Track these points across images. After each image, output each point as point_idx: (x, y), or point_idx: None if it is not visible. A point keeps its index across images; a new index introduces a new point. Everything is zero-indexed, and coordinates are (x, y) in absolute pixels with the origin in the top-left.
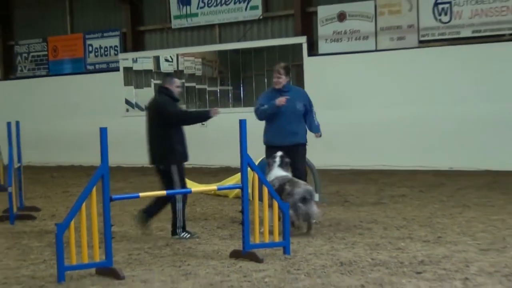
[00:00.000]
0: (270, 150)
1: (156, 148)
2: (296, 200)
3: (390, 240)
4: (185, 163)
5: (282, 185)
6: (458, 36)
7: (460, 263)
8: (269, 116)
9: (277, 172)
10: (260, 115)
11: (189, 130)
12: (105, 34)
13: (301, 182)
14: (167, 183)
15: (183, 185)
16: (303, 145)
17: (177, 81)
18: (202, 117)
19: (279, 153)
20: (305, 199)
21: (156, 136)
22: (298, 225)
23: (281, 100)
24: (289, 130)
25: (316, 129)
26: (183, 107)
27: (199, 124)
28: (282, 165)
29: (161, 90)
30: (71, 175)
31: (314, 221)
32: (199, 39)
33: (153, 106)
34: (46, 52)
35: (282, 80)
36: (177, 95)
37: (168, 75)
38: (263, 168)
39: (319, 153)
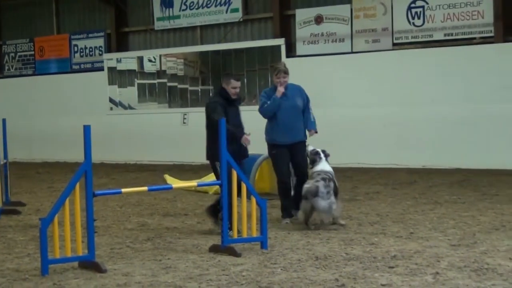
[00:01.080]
0: (275, 148)
1: (206, 145)
2: (302, 196)
3: (364, 235)
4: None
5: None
6: (431, 39)
7: (431, 258)
8: (273, 112)
9: (324, 166)
10: (265, 113)
11: (170, 128)
12: (90, 35)
13: (310, 181)
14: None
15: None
16: (303, 142)
17: (234, 82)
18: (235, 136)
19: (317, 149)
20: (306, 197)
21: (207, 134)
22: (303, 218)
23: (279, 91)
24: (292, 127)
25: (311, 125)
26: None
27: (180, 122)
28: (327, 159)
29: (218, 91)
30: (56, 171)
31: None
32: (181, 40)
33: (206, 106)
34: (33, 52)
35: (287, 79)
36: (233, 96)
37: (226, 75)
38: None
39: None
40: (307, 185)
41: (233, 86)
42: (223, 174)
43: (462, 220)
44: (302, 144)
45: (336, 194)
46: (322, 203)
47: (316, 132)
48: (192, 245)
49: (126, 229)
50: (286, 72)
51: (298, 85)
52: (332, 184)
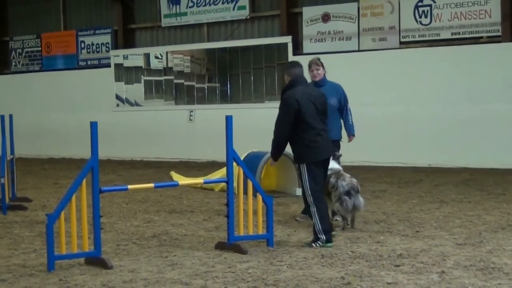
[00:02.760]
0: None
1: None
2: (341, 193)
3: (370, 233)
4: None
5: (329, 176)
6: (438, 38)
7: (437, 257)
8: None
9: (332, 165)
10: None
11: (176, 125)
12: (97, 32)
13: (346, 175)
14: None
15: (314, 187)
16: (336, 141)
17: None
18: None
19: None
20: (349, 193)
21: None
22: (346, 217)
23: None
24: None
25: (349, 129)
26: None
27: (187, 120)
28: (335, 158)
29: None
30: (62, 167)
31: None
32: (188, 38)
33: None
34: (39, 48)
35: (321, 71)
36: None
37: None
38: (248, 162)
39: None
40: (345, 182)
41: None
42: (229, 171)
43: (468, 219)
44: (336, 143)
45: None
46: (361, 199)
47: (354, 136)
48: (198, 242)
49: (132, 226)
50: (318, 64)
51: (337, 84)
52: None
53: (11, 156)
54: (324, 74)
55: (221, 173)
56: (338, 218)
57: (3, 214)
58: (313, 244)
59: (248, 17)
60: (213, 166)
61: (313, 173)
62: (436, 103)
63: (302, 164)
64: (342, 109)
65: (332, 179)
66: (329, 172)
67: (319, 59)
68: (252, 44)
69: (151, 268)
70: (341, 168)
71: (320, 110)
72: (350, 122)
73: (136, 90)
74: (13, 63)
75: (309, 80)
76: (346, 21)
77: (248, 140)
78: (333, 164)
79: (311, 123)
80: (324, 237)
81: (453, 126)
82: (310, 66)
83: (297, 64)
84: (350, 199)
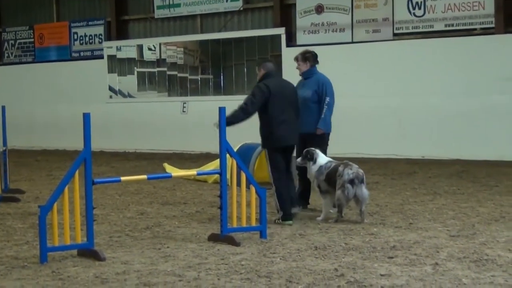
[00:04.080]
0: None
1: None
2: (345, 181)
3: (363, 225)
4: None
5: (338, 165)
6: (431, 30)
7: (430, 249)
8: None
9: (326, 157)
10: None
11: (169, 117)
12: (90, 23)
13: (354, 165)
14: None
15: (274, 171)
16: (310, 134)
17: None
18: None
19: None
20: (353, 181)
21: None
22: (344, 206)
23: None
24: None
25: (320, 122)
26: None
27: (180, 111)
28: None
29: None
30: (55, 159)
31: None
32: (181, 29)
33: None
34: (32, 40)
35: (301, 66)
36: None
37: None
38: (242, 154)
39: None
40: (350, 171)
41: None
42: (222, 163)
43: (461, 211)
44: (310, 136)
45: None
46: (365, 190)
47: (321, 130)
48: (191, 234)
49: (125, 218)
50: (297, 59)
51: (322, 77)
52: None
53: (4, 148)
54: (312, 67)
55: (214, 164)
56: (331, 210)
57: None
58: (276, 221)
59: (242, 8)
60: (206, 157)
61: (274, 158)
62: (430, 95)
63: (266, 149)
64: (320, 101)
65: (340, 167)
66: (328, 163)
67: (300, 54)
68: (246, 35)
69: (144, 260)
70: (332, 159)
71: (290, 101)
72: (322, 116)
73: (129, 82)
74: (6, 55)
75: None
76: (340, 12)
77: (241, 131)
78: (326, 157)
79: (278, 112)
80: (282, 214)
81: (446, 118)
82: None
83: (269, 60)
84: (353, 188)
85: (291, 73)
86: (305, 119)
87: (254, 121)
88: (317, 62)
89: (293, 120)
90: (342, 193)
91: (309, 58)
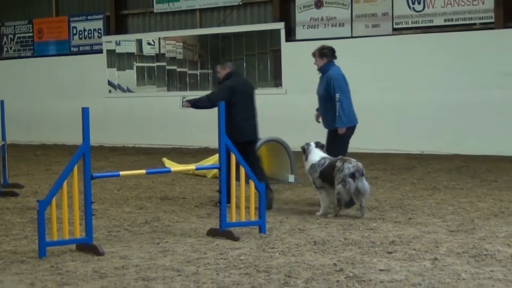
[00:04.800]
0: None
1: None
2: (346, 175)
3: (363, 220)
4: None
5: (334, 162)
6: (431, 25)
7: (429, 244)
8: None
9: (320, 153)
10: None
11: (169, 112)
12: (89, 17)
13: (352, 159)
14: None
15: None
16: (330, 131)
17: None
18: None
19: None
20: (354, 175)
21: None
22: (345, 200)
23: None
24: (322, 115)
25: (336, 123)
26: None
27: (179, 106)
28: (318, 147)
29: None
30: (54, 153)
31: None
32: (180, 24)
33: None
34: (31, 34)
35: (317, 62)
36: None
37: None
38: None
39: (295, 135)
40: (350, 165)
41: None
42: (221, 158)
43: (460, 206)
44: (329, 132)
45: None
46: (366, 183)
47: (341, 129)
48: (190, 228)
49: (124, 212)
50: (314, 55)
51: (332, 73)
52: None
53: (3, 142)
54: (328, 62)
55: (213, 159)
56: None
57: None
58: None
59: (241, 3)
60: (205, 152)
61: None
62: (429, 90)
63: None
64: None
65: (338, 163)
66: (322, 160)
67: (317, 50)
68: (245, 30)
69: (143, 254)
70: (327, 155)
71: (251, 99)
72: (337, 114)
73: (129, 76)
74: (5, 49)
75: None
76: (339, 7)
77: None
78: (320, 153)
79: (240, 109)
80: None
81: (446, 113)
82: None
83: (230, 60)
84: (354, 181)
85: (290, 67)
86: (323, 116)
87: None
88: (334, 57)
89: (253, 116)
90: (343, 187)
91: (326, 54)
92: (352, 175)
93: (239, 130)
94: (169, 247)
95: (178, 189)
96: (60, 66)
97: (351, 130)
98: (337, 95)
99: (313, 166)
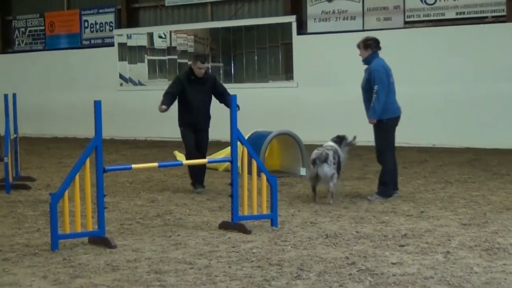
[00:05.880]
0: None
1: None
2: (310, 161)
3: (375, 214)
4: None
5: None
6: (443, 18)
7: (442, 237)
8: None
9: (327, 143)
10: None
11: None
12: (100, 11)
13: (322, 147)
14: None
15: (186, 148)
16: (377, 121)
17: (199, 64)
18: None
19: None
20: (315, 161)
21: None
22: (310, 184)
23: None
24: (364, 105)
25: (369, 113)
26: None
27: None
28: (333, 139)
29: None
30: (65, 146)
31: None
32: (191, 17)
33: None
34: (43, 27)
35: (362, 53)
36: (198, 75)
37: (195, 56)
38: (252, 142)
39: (307, 128)
40: (317, 151)
41: (199, 67)
42: (233, 151)
43: (472, 200)
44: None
45: (338, 169)
46: (327, 169)
47: (375, 120)
48: (202, 221)
49: (136, 205)
50: (358, 46)
51: (374, 65)
52: (337, 157)
53: (15, 135)
54: (372, 54)
55: (225, 152)
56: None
57: (6, 193)
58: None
59: None
60: (217, 145)
61: (183, 134)
62: (441, 83)
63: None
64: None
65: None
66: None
67: (362, 42)
68: (256, 23)
69: (155, 247)
70: (333, 144)
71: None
72: (372, 105)
73: (140, 70)
74: (17, 42)
75: None
76: (351, 0)
77: (252, 119)
78: (328, 143)
79: (187, 102)
80: (193, 182)
81: (457, 106)
82: None
83: (200, 56)
84: (314, 167)
85: (302, 61)
86: (366, 107)
87: (263, 108)
88: (379, 48)
89: (200, 109)
90: (307, 172)
91: (370, 45)
92: (313, 161)
93: (185, 118)
94: (181, 240)
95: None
96: (72, 60)
97: (394, 121)
98: (376, 87)
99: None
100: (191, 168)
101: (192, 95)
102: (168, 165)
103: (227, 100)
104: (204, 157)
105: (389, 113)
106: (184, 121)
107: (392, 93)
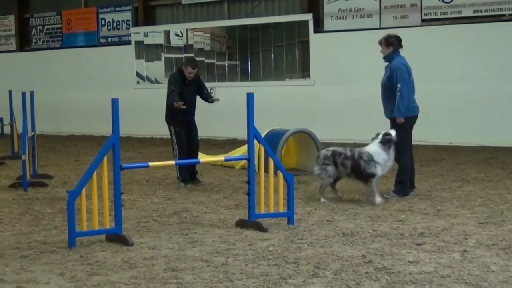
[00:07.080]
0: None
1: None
2: None
3: (391, 212)
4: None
5: None
6: (460, 16)
7: (458, 236)
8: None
9: (365, 147)
10: None
11: (198, 103)
12: (117, 9)
13: (332, 148)
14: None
15: (177, 145)
16: (392, 119)
17: (190, 69)
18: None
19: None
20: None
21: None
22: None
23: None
24: (383, 104)
25: (394, 112)
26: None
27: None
28: (375, 138)
29: (177, 70)
30: (82, 144)
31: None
32: (208, 15)
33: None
34: (60, 25)
35: (383, 51)
36: (188, 79)
37: (187, 60)
38: (269, 140)
39: (324, 126)
40: (322, 151)
41: (189, 72)
42: (250, 149)
43: (489, 198)
44: (391, 121)
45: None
46: (315, 168)
47: (399, 119)
48: (218, 219)
49: (152, 203)
50: (380, 44)
51: (396, 62)
52: (337, 158)
53: (32, 133)
54: (394, 51)
55: (242, 150)
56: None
57: (24, 191)
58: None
59: None
60: (233, 143)
61: (176, 133)
62: (458, 81)
63: (169, 126)
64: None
65: None
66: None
67: (383, 39)
68: (273, 21)
69: (172, 245)
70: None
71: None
72: (396, 103)
73: (157, 68)
74: (34, 40)
75: None
76: None
77: (268, 117)
78: (367, 147)
79: (181, 101)
80: (182, 178)
81: (474, 105)
82: None
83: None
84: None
85: (318, 59)
86: (384, 104)
87: (280, 106)
88: (400, 46)
89: (190, 107)
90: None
91: (392, 42)
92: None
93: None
94: (198, 238)
95: (207, 180)
96: (89, 57)
97: (412, 119)
98: (399, 85)
99: None
100: (184, 166)
101: (185, 95)
102: (185, 163)
103: (204, 95)
104: (197, 154)
105: (408, 111)
106: (176, 119)
107: (412, 92)
